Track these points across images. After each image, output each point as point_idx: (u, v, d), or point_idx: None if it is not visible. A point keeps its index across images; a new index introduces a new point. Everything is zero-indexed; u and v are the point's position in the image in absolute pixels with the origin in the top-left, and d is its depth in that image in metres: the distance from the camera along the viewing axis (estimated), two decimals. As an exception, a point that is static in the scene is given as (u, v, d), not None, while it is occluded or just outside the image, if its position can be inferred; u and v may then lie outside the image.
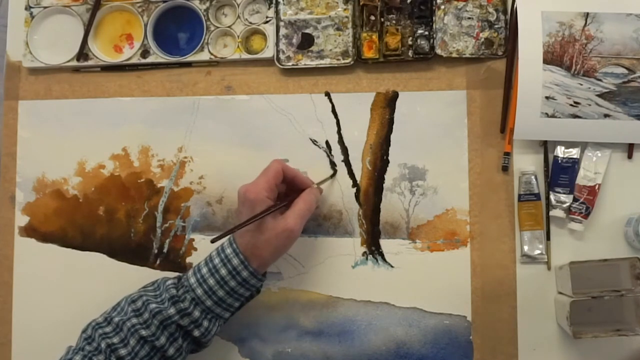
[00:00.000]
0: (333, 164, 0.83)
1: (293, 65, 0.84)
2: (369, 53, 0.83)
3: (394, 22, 0.83)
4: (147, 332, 0.69)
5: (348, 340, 0.81)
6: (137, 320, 0.70)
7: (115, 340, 0.69)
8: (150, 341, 0.69)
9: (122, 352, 0.69)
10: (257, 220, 0.70)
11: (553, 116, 0.78)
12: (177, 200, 0.85)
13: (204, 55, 0.85)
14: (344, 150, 0.84)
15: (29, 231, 0.87)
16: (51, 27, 0.88)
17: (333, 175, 0.83)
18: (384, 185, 0.83)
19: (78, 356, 0.68)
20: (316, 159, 0.84)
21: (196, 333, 0.71)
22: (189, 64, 0.86)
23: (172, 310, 0.70)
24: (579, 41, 0.78)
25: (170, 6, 0.86)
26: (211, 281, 0.70)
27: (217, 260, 0.71)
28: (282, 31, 0.84)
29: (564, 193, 0.79)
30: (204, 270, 0.71)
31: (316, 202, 0.77)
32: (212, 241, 0.69)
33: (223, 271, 0.70)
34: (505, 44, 0.82)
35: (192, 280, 0.71)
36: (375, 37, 0.83)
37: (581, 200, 0.79)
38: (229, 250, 0.71)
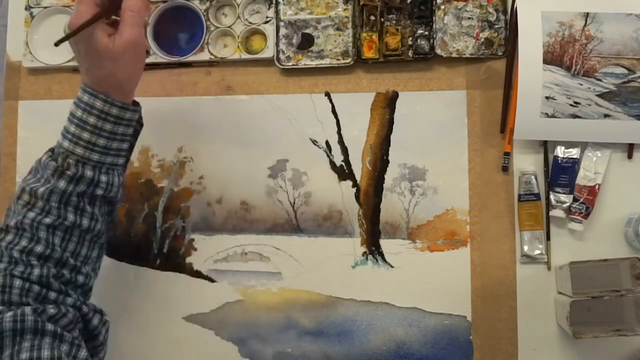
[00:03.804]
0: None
1: (293, 65, 0.84)
2: (369, 53, 0.83)
3: (394, 22, 0.83)
4: (50, 218, 0.64)
5: (348, 340, 0.81)
6: (34, 212, 0.64)
7: (24, 242, 0.63)
8: (59, 224, 0.64)
9: (38, 249, 0.63)
10: (82, 29, 0.62)
11: (553, 116, 0.78)
12: (177, 200, 0.85)
13: (204, 56, 0.85)
14: (344, 150, 0.84)
15: (29, 231, 0.87)
16: (51, 27, 0.88)
17: None
18: (384, 185, 0.83)
19: None
20: (316, 159, 0.84)
21: (99, 192, 0.66)
22: (189, 64, 0.86)
23: (62, 184, 0.64)
24: (579, 41, 0.78)
25: (170, 6, 0.86)
26: (85, 135, 0.65)
27: (79, 113, 0.65)
28: (282, 31, 0.84)
29: (564, 193, 0.79)
30: (72, 128, 0.65)
31: (147, 4, 0.68)
32: (56, 44, 0.62)
33: (92, 119, 0.65)
34: (505, 44, 0.82)
35: (66, 143, 0.65)
36: (375, 37, 0.83)
37: (581, 200, 0.79)
38: (86, 97, 0.65)
